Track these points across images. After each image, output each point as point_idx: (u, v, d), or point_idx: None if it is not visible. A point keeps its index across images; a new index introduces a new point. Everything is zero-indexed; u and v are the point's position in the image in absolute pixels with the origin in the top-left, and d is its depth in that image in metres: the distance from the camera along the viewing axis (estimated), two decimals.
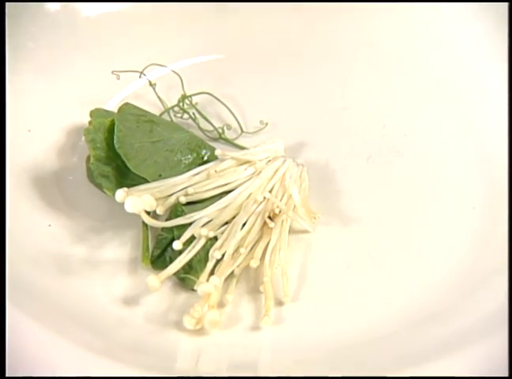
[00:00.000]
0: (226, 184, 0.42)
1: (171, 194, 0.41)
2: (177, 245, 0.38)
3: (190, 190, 0.41)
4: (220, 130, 0.48)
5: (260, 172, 0.42)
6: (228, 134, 0.48)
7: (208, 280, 0.37)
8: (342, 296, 0.39)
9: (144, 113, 0.45)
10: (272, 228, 0.40)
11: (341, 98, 0.50)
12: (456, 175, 0.45)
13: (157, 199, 0.40)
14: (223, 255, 0.39)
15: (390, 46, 0.52)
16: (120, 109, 0.43)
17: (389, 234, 0.42)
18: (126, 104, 0.44)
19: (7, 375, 0.31)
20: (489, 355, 0.32)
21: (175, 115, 0.49)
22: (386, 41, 0.53)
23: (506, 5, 0.46)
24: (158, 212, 0.40)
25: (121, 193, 0.39)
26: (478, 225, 0.42)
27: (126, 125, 0.42)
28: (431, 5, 0.52)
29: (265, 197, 0.41)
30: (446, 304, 0.38)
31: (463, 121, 0.48)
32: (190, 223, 0.39)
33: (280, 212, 0.40)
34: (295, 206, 0.41)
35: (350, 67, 0.52)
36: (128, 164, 0.41)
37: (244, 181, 0.42)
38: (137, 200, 0.38)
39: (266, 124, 0.48)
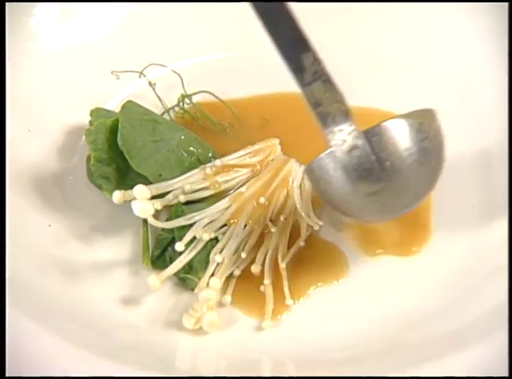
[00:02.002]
0: (225, 182, 0.42)
1: (168, 192, 0.41)
2: (179, 246, 0.38)
3: (187, 187, 0.41)
4: (221, 128, 0.48)
5: (260, 172, 0.43)
6: (229, 132, 0.48)
7: (208, 282, 0.37)
8: (342, 296, 0.39)
9: (147, 112, 0.45)
10: (273, 232, 0.40)
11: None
12: (456, 175, 0.45)
13: (154, 195, 0.40)
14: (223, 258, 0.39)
15: (389, 47, 0.52)
16: (124, 106, 0.43)
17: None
18: (130, 102, 0.44)
19: (7, 375, 0.31)
20: (489, 355, 0.32)
21: (175, 115, 0.49)
22: (386, 41, 0.53)
23: (506, 5, 0.46)
24: (155, 206, 0.40)
25: (118, 195, 0.39)
26: (478, 225, 0.42)
27: (129, 123, 0.42)
28: (432, 5, 0.52)
29: (266, 200, 0.41)
30: (446, 304, 0.38)
31: (463, 120, 0.48)
32: (191, 224, 0.39)
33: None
34: (296, 209, 0.41)
35: (350, 68, 0.52)
36: (130, 162, 0.41)
37: (245, 182, 0.42)
38: (147, 205, 0.38)
39: (267, 122, 0.48)
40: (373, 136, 0.34)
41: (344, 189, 0.35)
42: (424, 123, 0.36)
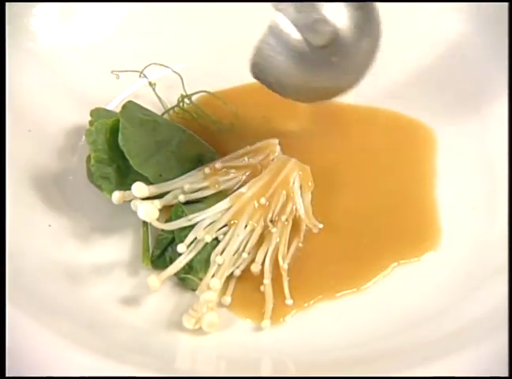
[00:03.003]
0: (225, 182, 0.42)
1: (168, 192, 0.41)
2: (181, 248, 0.38)
3: (187, 187, 0.41)
4: (221, 128, 0.48)
5: (261, 172, 0.43)
6: (229, 132, 0.48)
7: (209, 283, 0.37)
8: (342, 297, 0.39)
9: (147, 112, 0.45)
10: (273, 232, 0.40)
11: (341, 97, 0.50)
12: (456, 175, 0.45)
13: (153, 195, 0.40)
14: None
15: (388, 47, 0.52)
16: (124, 106, 0.43)
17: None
18: (130, 102, 0.44)
19: (7, 375, 0.31)
20: (489, 355, 0.32)
21: (174, 114, 0.49)
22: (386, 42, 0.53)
23: (505, 5, 0.46)
24: (155, 205, 0.39)
25: (117, 195, 0.39)
26: (478, 225, 0.42)
27: (130, 123, 0.42)
28: (432, 5, 0.52)
29: (266, 201, 0.41)
30: (447, 304, 0.38)
31: (463, 120, 0.48)
32: (191, 225, 0.39)
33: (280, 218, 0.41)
34: (296, 210, 0.41)
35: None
36: (131, 162, 0.41)
37: (245, 182, 0.42)
38: (152, 209, 0.38)
39: (268, 121, 0.48)
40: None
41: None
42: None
